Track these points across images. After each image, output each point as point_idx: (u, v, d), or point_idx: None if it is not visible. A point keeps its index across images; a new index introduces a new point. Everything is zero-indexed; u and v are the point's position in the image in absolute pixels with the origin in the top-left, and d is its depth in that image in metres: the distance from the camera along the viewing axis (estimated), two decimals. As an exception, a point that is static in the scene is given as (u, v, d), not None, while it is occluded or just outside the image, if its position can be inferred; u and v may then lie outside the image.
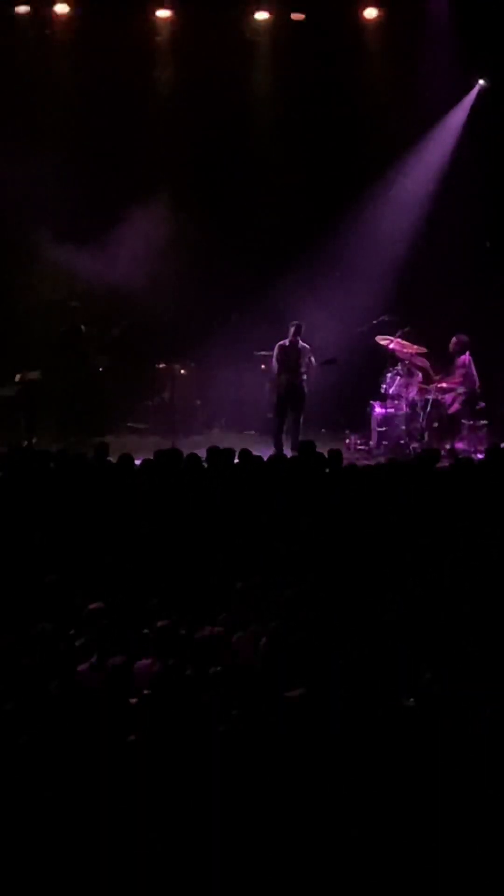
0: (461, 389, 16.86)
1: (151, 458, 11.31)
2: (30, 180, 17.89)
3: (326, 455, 11.70)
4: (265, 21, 18.73)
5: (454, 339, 16.91)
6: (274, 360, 16.95)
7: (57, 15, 18.51)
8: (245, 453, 11.65)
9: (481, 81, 18.65)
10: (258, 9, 18.63)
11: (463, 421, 16.72)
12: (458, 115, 18.81)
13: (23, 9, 18.49)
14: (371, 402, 17.34)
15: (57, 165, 18.01)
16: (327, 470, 10.94)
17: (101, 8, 18.30)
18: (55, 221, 18.19)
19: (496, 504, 8.82)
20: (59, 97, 18.58)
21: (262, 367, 18.43)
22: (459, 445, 16.48)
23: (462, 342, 16.90)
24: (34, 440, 16.74)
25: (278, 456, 13.37)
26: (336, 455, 11.42)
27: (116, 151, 18.60)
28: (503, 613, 7.00)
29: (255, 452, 12.02)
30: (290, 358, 16.80)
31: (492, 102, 18.42)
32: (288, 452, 15.36)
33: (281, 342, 16.93)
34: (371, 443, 17.21)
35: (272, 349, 17.15)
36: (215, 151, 18.97)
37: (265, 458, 11.82)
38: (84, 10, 18.41)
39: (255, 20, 18.73)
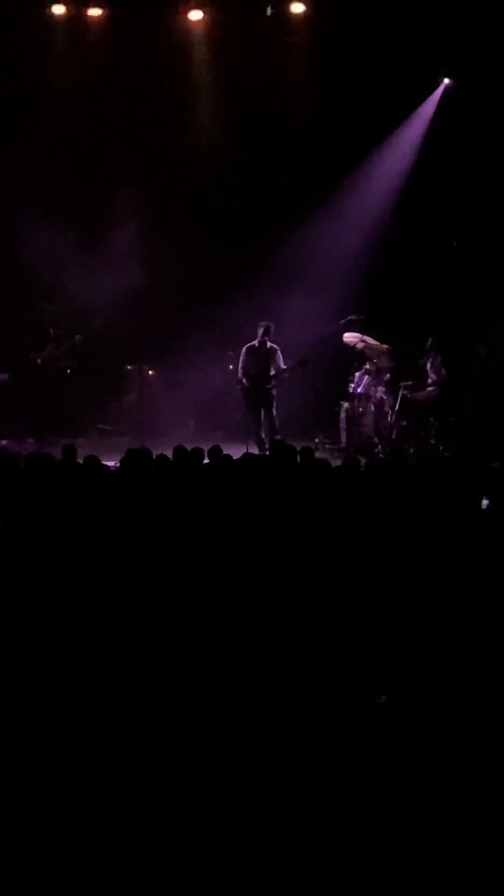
0: (429, 388, 16.91)
1: (121, 458, 11.28)
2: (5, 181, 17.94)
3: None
4: (199, 20, 18.66)
5: (430, 339, 16.95)
6: (242, 361, 16.95)
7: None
8: (215, 451, 11.61)
9: (446, 80, 18.69)
10: (220, 7, 18.61)
11: (431, 419, 16.78)
12: (424, 114, 18.85)
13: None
14: (339, 401, 17.37)
15: (26, 167, 18.01)
16: (299, 466, 10.94)
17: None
18: (27, 225, 18.15)
19: (462, 500, 8.84)
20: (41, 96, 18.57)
21: (231, 367, 18.44)
22: (428, 444, 16.53)
23: (430, 342, 16.96)
24: (2, 442, 16.69)
25: (250, 454, 13.34)
26: (308, 452, 11.41)
27: (82, 156, 18.61)
28: (467, 610, 7.03)
29: (224, 452, 12.02)
30: (260, 359, 16.81)
31: (457, 101, 18.44)
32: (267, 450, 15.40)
33: (249, 343, 16.93)
34: (340, 442, 17.25)
35: (240, 350, 17.16)
36: (180, 155, 18.99)
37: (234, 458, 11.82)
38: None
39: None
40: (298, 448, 11.53)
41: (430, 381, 16.89)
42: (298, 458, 10.89)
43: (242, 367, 16.91)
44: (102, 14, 18.46)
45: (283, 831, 5.52)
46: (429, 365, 16.98)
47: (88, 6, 18.44)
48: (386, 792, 5.73)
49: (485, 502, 8.46)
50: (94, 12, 18.45)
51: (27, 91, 18.40)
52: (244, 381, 16.83)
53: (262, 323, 16.91)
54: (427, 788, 5.74)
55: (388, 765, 5.88)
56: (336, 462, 12.33)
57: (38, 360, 17.86)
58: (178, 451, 11.36)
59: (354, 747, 6.01)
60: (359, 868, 5.33)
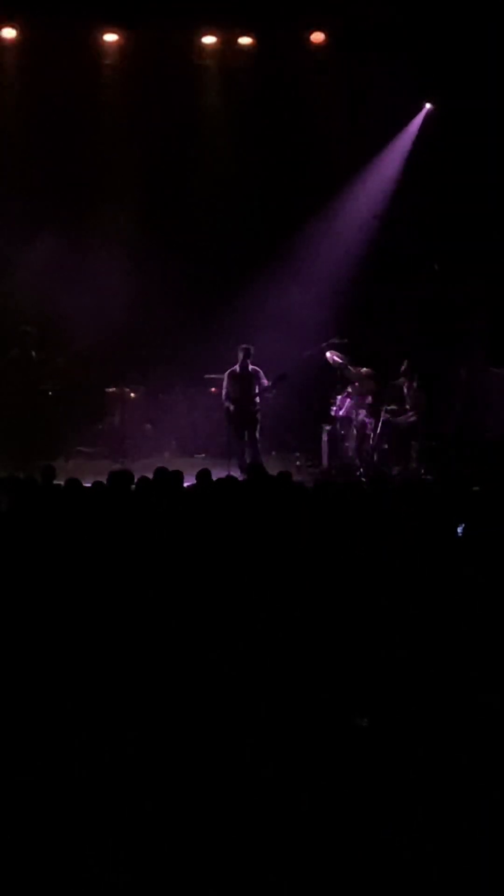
0: (411, 412, 16.95)
1: (102, 481, 11.27)
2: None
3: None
4: (212, 44, 18.80)
5: (405, 362, 17.01)
6: (225, 386, 16.98)
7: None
8: (204, 474, 11.61)
9: (428, 105, 18.79)
10: (206, 32, 18.71)
11: (413, 442, 16.81)
12: (406, 139, 18.94)
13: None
14: (321, 424, 17.39)
15: (7, 189, 18.05)
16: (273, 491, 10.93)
17: (48, 31, 18.31)
18: (10, 248, 18.17)
19: (444, 525, 8.85)
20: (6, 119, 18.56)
21: (213, 389, 18.45)
22: (409, 467, 16.56)
23: (411, 365, 17.01)
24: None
25: (229, 478, 13.33)
26: (285, 477, 11.40)
27: (67, 175, 18.64)
28: (450, 633, 7.04)
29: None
30: (243, 383, 16.84)
31: (438, 126, 18.54)
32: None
33: (231, 369, 16.96)
34: (321, 465, 17.26)
35: (222, 372, 17.19)
36: (163, 176, 19.02)
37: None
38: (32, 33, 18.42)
39: (203, 43, 18.81)
40: (276, 472, 11.53)
41: (407, 405, 16.94)
42: (276, 483, 10.88)
43: (226, 392, 16.95)
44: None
45: (275, 843, 5.53)
46: (405, 389, 17.03)
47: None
48: (369, 813, 5.74)
49: (459, 529, 8.47)
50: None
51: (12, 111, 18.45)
52: (228, 405, 16.86)
53: (242, 346, 16.94)
54: (408, 809, 5.75)
55: (370, 787, 5.88)
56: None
57: (20, 383, 17.82)
58: (159, 472, 11.35)
59: (337, 770, 6.01)
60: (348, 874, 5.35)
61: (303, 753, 6.14)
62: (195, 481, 11.52)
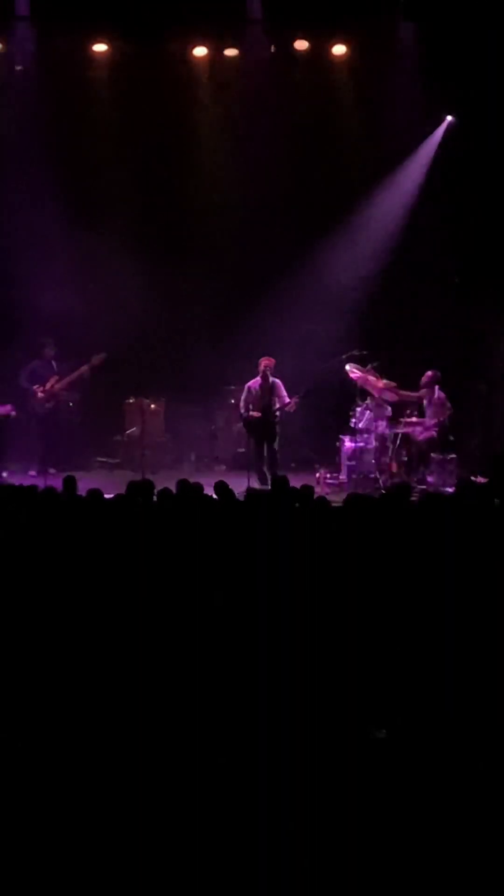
0: (431, 423, 16.94)
1: (122, 492, 11.27)
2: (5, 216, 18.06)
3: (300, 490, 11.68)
4: (233, 56, 18.85)
5: (427, 374, 17.00)
6: (245, 397, 17.00)
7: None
8: (221, 486, 11.60)
9: (449, 118, 18.79)
10: (226, 45, 18.76)
11: (433, 455, 16.79)
12: (427, 152, 18.93)
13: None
14: (341, 436, 17.39)
15: (22, 201, 18.10)
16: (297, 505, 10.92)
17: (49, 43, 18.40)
18: (22, 256, 18.21)
19: (466, 537, 8.83)
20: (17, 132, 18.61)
21: (232, 401, 18.48)
22: (429, 479, 16.54)
23: (432, 377, 17.01)
24: (4, 475, 16.72)
25: (253, 490, 13.32)
26: (307, 491, 11.38)
27: (85, 187, 18.69)
28: (470, 648, 7.03)
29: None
30: (263, 395, 16.86)
31: (460, 138, 18.54)
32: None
33: (251, 381, 16.99)
34: (341, 477, 17.25)
35: (242, 384, 17.22)
36: (184, 188, 19.04)
37: (237, 493, 11.79)
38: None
39: (226, 55, 18.85)
40: (298, 485, 11.51)
41: (427, 417, 16.92)
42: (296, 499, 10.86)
43: (245, 403, 16.98)
44: (106, 50, 18.59)
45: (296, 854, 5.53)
46: (426, 401, 17.02)
47: (94, 42, 18.56)
48: (386, 825, 5.73)
49: None
50: (99, 48, 18.58)
51: (26, 125, 18.48)
52: (248, 416, 16.89)
53: (264, 358, 16.98)
54: (426, 822, 5.74)
55: (388, 798, 5.87)
56: (337, 496, 12.35)
57: (41, 393, 17.87)
58: (181, 484, 11.35)
59: (354, 782, 6.00)
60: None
61: (321, 764, 6.14)
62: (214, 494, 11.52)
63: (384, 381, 16.97)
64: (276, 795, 5.92)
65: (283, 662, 7.10)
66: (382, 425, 16.96)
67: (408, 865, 5.55)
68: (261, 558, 8.17)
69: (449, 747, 6.21)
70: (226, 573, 8.24)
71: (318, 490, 15.36)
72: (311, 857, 5.56)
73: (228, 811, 5.87)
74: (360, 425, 17.03)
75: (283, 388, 16.83)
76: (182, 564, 8.40)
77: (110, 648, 7.43)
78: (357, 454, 17.00)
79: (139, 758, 6.26)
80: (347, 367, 17.08)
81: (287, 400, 16.77)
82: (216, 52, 18.81)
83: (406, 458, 16.91)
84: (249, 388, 16.99)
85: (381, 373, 17.05)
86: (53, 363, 18.06)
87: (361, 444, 16.99)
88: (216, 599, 7.82)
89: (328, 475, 17.31)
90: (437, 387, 16.99)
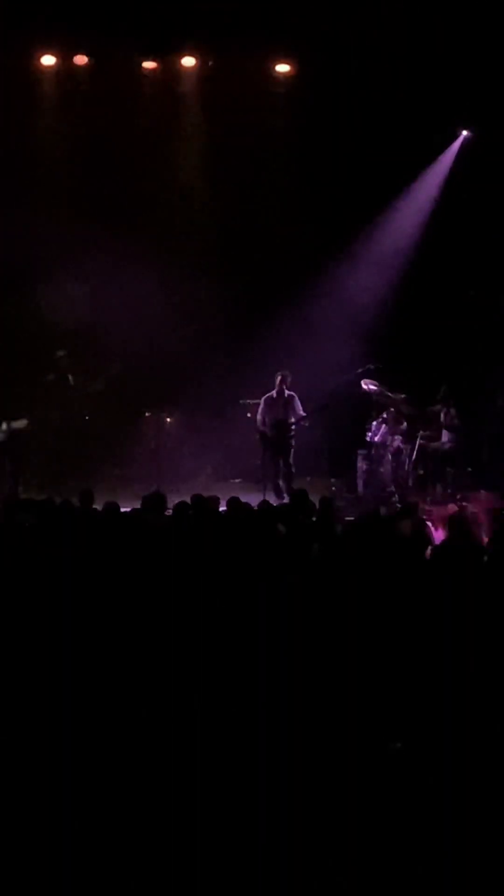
0: (446, 437, 16.92)
1: (138, 505, 11.30)
2: (21, 229, 18.11)
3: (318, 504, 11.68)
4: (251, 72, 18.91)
5: (441, 388, 16.99)
6: (261, 410, 17.02)
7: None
8: (234, 501, 11.61)
9: (465, 132, 18.81)
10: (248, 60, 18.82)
11: (448, 469, 16.77)
12: (442, 166, 18.95)
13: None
14: (356, 450, 17.38)
15: (39, 215, 18.16)
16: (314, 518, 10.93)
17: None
18: (42, 271, 18.26)
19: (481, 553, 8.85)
20: (47, 145, 18.68)
21: (248, 414, 18.49)
22: (444, 493, 16.52)
23: (448, 391, 16.99)
24: (20, 489, 16.75)
25: (267, 505, 13.33)
26: (326, 503, 11.38)
27: (102, 200, 18.73)
28: (484, 664, 7.03)
29: (242, 500, 12.02)
30: (279, 408, 16.88)
31: (475, 152, 18.55)
32: (286, 497, 15.43)
33: (267, 394, 17.00)
34: (357, 491, 17.23)
35: (258, 397, 17.23)
36: (200, 202, 19.08)
37: (254, 506, 11.78)
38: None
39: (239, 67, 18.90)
40: (318, 500, 11.52)
41: (442, 431, 16.91)
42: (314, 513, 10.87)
43: (261, 416, 17.00)
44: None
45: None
46: (441, 415, 17.01)
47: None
48: (400, 837, 5.73)
49: None
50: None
51: (36, 140, 18.55)
52: (264, 430, 16.90)
53: (280, 371, 16.99)
54: (438, 833, 5.74)
55: (403, 810, 5.88)
56: (352, 510, 12.36)
57: (57, 406, 17.91)
58: (196, 499, 11.37)
59: (370, 793, 6.01)
60: None
61: (338, 777, 6.15)
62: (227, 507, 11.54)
63: (399, 395, 16.97)
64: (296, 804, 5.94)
65: (300, 675, 7.11)
66: (398, 440, 16.95)
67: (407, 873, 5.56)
68: (274, 570, 8.18)
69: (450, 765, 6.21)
70: (235, 589, 8.25)
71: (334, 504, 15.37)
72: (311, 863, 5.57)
73: (229, 817, 5.88)
74: (376, 439, 17.02)
75: (298, 402, 16.84)
76: (191, 578, 8.42)
77: (122, 661, 7.45)
78: (373, 468, 16.98)
79: (144, 775, 6.28)
80: (363, 381, 17.08)
81: (302, 413, 16.78)
82: (227, 64, 18.86)
83: (422, 473, 16.88)
84: (265, 401, 17.00)
85: (397, 387, 17.05)
86: (70, 376, 18.09)
87: (377, 458, 16.98)
88: (220, 612, 7.82)
89: (344, 490, 17.29)
90: (451, 401, 16.96)
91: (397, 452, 16.88)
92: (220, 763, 6.30)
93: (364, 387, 17.07)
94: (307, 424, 16.84)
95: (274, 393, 16.94)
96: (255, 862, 5.64)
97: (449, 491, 16.53)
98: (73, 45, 18.55)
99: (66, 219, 18.29)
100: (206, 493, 12.00)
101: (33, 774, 6.32)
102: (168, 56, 18.85)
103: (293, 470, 16.85)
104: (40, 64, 18.75)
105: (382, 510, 13.20)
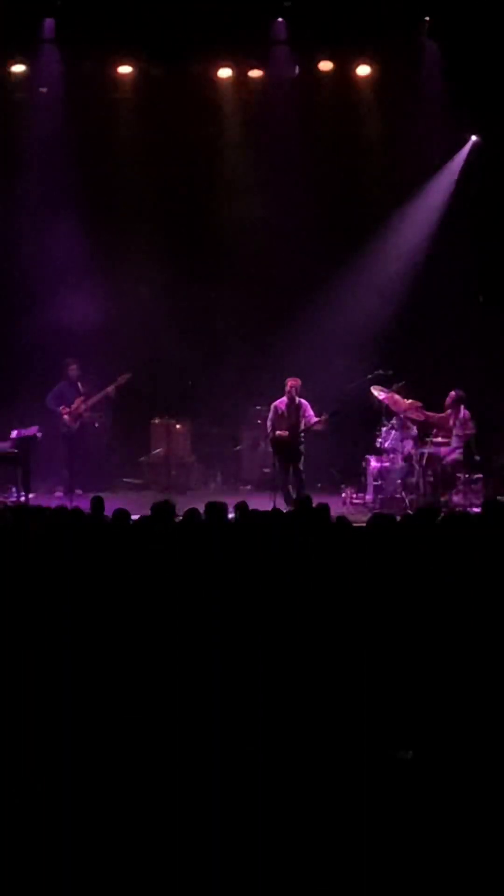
0: (457, 443, 16.89)
1: (148, 513, 11.26)
2: (25, 237, 18.15)
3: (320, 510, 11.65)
4: (257, 77, 18.91)
5: (451, 394, 16.96)
6: (271, 417, 17.00)
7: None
8: (242, 507, 11.58)
9: (474, 137, 18.80)
10: (251, 66, 18.83)
11: (459, 475, 16.74)
12: (451, 172, 18.94)
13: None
14: (367, 456, 17.36)
15: (47, 220, 18.18)
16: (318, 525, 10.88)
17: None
18: (47, 277, 18.28)
19: (492, 558, 8.80)
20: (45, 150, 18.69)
21: (258, 421, 18.49)
22: (455, 499, 16.49)
23: (457, 396, 16.96)
24: (30, 496, 16.76)
25: (276, 511, 13.31)
26: (323, 510, 11.31)
27: (110, 208, 18.75)
28: (496, 668, 6.99)
29: (251, 507, 12.00)
30: (289, 415, 16.86)
31: (484, 158, 18.54)
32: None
33: (278, 401, 16.98)
34: (367, 497, 17.21)
35: (268, 404, 17.22)
36: (210, 208, 19.07)
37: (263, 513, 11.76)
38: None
39: (251, 77, 18.91)
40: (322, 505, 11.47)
41: (453, 437, 16.87)
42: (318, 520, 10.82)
43: (272, 423, 16.98)
44: (132, 72, 18.69)
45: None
46: (451, 420, 16.98)
47: (119, 63, 18.68)
48: (410, 847, 5.71)
49: None
50: (124, 70, 18.68)
51: (50, 147, 18.56)
52: (274, 437, 16.89)
53: (290, 378, 16.97)
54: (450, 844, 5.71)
55: (413, 820, 5.85)
56: (363, 517, 12.31)
57: (67, 415, 17.94)
58: (209, 506, 11.32)
59: (379, 803, 5.98)
60: None
61: (347, 786, 6.12)
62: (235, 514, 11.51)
63: (409, 401, 16.95)
64: (304, 815, 5.92)
65: (307, 682, 7.09)
66: (408, 445, 16.92)
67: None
68: (281, 577, 8.16)
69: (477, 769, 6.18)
70: (248, 591, 8.23)
71: (344, 511, 15.35)
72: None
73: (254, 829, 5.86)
74: (386, 445, 16.99)
75: (309, 409, 16.82)
76: (199, 584, 8.40)
77: (127, 668, 7.44)
78: (383, 474, 16.96)
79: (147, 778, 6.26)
80: (373, 387, 17.06)
81: (313, 419, 16.75)
82: (241, 73, 18.87)
83: (432, 478, 16.85)
84: (276, 408, 16.99)
85: (407, 393, 17.02)
86: (79, 384, 18.13)
87: (387, 465, 16.96)
88: (228, 619, 7.80)
89: (354, 495, 17.28)
90: (462, 406, 16.93)
91: (408, 458, 16.86)
92: (224, 770, 6.28)
93: (374, 393, 17.06)
94: (320, 429, 16.79)
95: (284, 400, 16.92)
96: (255, 861, 5.62)
97: (459, 497, 16.50)
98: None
99: (75, 227, 18.31)
100: (216, 501, 11.96)
101: (35, 776, 6.30)
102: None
103: (303, 477, 16.84)
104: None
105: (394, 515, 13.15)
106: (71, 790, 6.13)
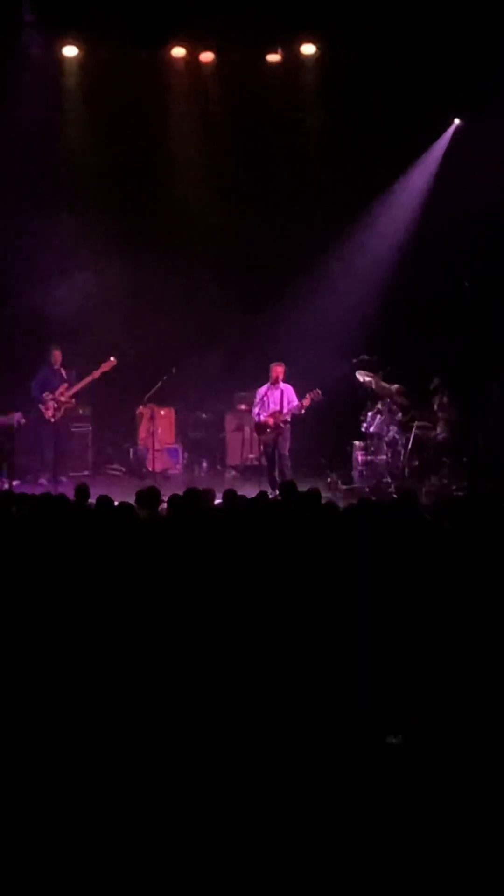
0: (441, 428, 16.90)
1: (130, 500, 11.22)
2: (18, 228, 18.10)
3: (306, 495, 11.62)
4: (241, 61, 18.84)
5: (435, 379, 16.96)
6: (256, 403, 16.95)
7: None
8: (230, 494, 11.55)
9: (457, 120, 18.76)
10: (231, 49, 18.76)
11: (443, 459, 16.75)
12: (435, 155, 18.90)
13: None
14: (352, 441, 17.34)
15: (28, 209, 18.11)
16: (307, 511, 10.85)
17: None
18: (30, 265, 18.21)
19: (476, 542, 8.79)
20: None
21: (242, 407, 18.46)
22: (440, 482, 16.49)
23: (441, 382, 16.96)
24: (14, 483, 16.68)
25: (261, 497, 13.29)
26: (314, 495, 11.30)
27: (94, 196, 18.69)
28: (480, 653, 6.99)
29: (238, 493, 11.96)
30: (274, 400, 16.81)
31: (467, 141, 18.49)
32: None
33: (262, 386, 16.93)
34: (353, 482, 17.20)
35: (253, 389, 17.18)
36: (193, 198, 19.00)
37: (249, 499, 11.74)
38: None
39: (230, 59, 18.84)
40: (306, 489, 11.44)
41: (437, 421, 16.87)
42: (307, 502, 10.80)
43: (257, 408, 16.92)
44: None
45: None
46: (436, 405, 16.99)
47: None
48: (395, 833, 5.69)
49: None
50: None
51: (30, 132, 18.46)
52: (259, 422, 16.84)
53: (275, 363, 16.92)
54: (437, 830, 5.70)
55: (400, 805, 5.84)
56: (348, 501, 12.28)
57: (51, 402, 17.86)
58: (189, 493, 11.28)
59: (366, 787, 5.97)
60: None
61: (334, 770, 6.11)
62: (222, 500, 11.48)
63: (394, 385, 16.94)
64: (292, 800, 5.90)
65: (293, 670, 7.07)
66: (394, 430, 16.92)
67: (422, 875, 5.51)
68: (267, 563, 8.13)
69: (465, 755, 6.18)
70: (233, 579, 8.20)
71: (329, 496, 15.32)
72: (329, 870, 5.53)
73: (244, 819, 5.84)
74: (372, 430, 16.99)
75: (293, 394, 16.77)
76: (185, 572, 8.37)
77: (114, 655, 7.41)
78: (368, 459, 16.95)
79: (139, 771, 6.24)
80: (357, 372, 17.04)
81: (297, 405, 16.68)
82: (222, 57, 18.77)
83: (418, 463, 16.85)
84: (260, 393, 16.93)
85: (391, 378, 17.01)
86: (62, 371, 18.04)
87: (373, 449, 16.95)
88: (216, 604, 7.78)
89: (340, 480, 17.26)
90: (446, 390, 16.93)
91: (393, 443, 16.86)
92: (215, 763, 6.27)
93: (359, 378, 17.04)
94: (302, 413, 16.73)
95: (269, 385, 16.86)
96: (250, 858, 5.60)
97: (444, 481, 16.52)
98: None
99: (57, 214, 18.29)
100: (201, 487, 11.93)
101: (32, 769, 6.28)
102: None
103: (289, 462, 16.79)
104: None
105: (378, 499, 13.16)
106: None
